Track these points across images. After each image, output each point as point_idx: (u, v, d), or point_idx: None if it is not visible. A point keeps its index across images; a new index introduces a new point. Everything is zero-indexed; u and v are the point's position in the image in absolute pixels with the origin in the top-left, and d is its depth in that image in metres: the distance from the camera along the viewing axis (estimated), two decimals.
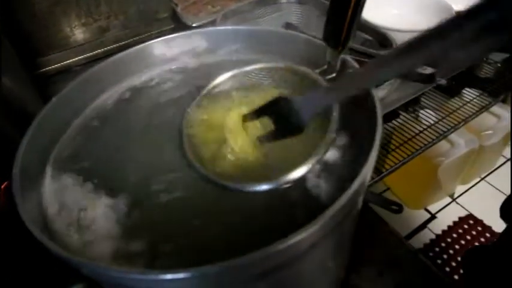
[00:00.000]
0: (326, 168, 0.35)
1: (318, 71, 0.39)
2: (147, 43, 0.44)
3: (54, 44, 0.87)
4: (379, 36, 0.75)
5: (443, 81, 0.54)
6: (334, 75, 0.40)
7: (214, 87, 0.40)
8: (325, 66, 0.40)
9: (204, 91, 0.39)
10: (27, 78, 0.76)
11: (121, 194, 0.36)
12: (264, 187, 0.30)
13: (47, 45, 0.87)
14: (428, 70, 0.55)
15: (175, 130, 0.41)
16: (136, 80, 0.46)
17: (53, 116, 0.38)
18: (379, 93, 0.74)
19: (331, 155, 0.36)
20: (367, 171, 0.26)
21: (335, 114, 0.33)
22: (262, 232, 0.32)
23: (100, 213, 0.34)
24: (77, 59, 0.91)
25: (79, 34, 0.89)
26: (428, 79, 0.55)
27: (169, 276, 0.23)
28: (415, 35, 0.77)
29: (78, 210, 0.35)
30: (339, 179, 0.34)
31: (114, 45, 0.93)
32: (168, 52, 0.45)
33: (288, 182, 0.30)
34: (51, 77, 0.89)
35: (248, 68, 0.40)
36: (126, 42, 0.93)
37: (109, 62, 0.42)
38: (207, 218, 0.34)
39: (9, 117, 0.60)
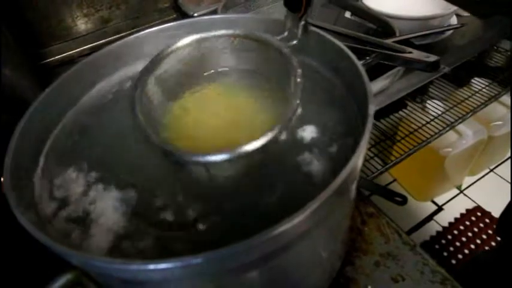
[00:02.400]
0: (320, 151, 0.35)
1: (279, 37, 0.38)
2: (138, 34, 0.44)
3: (56, 35, 0.87)
4: (383, 25, 0.73)
5: (447, 69, 0.53)
6: (295, 42, 0.39)
7: (172, 52, 0.39)
8: (286, 33, 0.39)
9: (159, 56, 0.38)
10: (29, 70, 0.76)
11: (120, 186, 0.36)
12: (222, 157, 0.29)
13: (49, 36, 0.87)
14: (432, 58, 0.53)
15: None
16: (130, 71, 0.45)
17: (46, 106, 0.38)
18: (382, 83, 0.73)
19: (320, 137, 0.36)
20: (355, 162, 0.26)
21: (299, 80, 0.33)
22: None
23: (99, 205, 0.34)
24: (79, 49, 0.91)
25: (81, 25, 0.89)
26: (432, 67, 0.53)
27: (151, 266, 0.23)
28: (418, 22, 0.75)
29: (74, 202, 0.35)
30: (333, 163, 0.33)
31: (116, 36, 0.93)
32: (160, 42, 0.45)
33: (247, 152, 0.29)
34: (54, 68, 0.89)
35: (207, 35, 0.39)
36: (128, 32, 0.92)
37: (102, 53, 0.42)
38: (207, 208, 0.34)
39: (10, 109, 0.61)
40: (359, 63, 0.33)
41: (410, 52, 0.56)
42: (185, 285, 0.25)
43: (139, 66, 0.45)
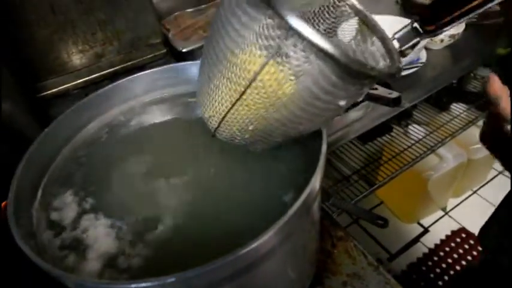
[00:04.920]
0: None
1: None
2: (128, 78, 0.49)
3: (52, 70, 0.92)
4: None
5: (408, 105, 0.58)
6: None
7: None
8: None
9: None
10: (25, 104, 0.80)
11: (111, 216, 0.40)
12: None
13: (46, 70, 0.92)
14: (394, 94, 0.59)
15: (156, 155, 0.47)
16: (120, 110, 0.51)
17: (44, 145, 0.43)
18: (356, 114, 0.79)
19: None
20: (311, 191, 0.31)
21: None
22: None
23: (91, 232, 0.39)
24: (74, 83, 0.96)
25: (76, 60, 0.94)
26: (394, 103, 0.59)
27: (133, 285, 0.27)
28: None
29: (70, 230, 0.39)
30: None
31: (109, 70, 0.98)
32: (145, 86, 0.50)
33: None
34: (50, 101, 0.94)
35: None
36: (121, 66, 0.98)
37: (95, 95, 0.47)
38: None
39: (8, 140, 0.65)
40: None
41: (375, 88, 0.61)
42: None
43: (127, 106, 0.51)
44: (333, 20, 0.43)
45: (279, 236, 0.30)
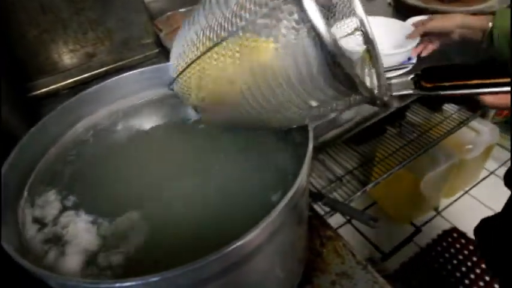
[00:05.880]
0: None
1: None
2: (117, 77, 0.49)
3: (43, 69, 0.92)
4: None
5: (398, 105, 0.59)
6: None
7: None
8: None
9: None
10: (16, 104, 0.80)
11: (94, 214, 0.40)
12: None
13: (37, 70, 0.91)
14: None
15: (143, 156, 0.46)
16: (108, 110, 0.50)
17: (31, 145, 0.43)
18: (348, 114, 0.79)
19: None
20: (296, 192, 0.31)
21: None
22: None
23: (75, 230, 0.39)
24: (65, 83, 0.95)
25: (67, 60, 0.94)
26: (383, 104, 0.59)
27: (117, 285, 0.27)
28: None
29: (53, 227, 0.39)
30: None
31: (101, 70, 0.98)
32: (134, 85, 0.50)
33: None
34: (41, 100, 0.94)
35: None
36: (112, 66, 0.98)
37: (83, 95, 0.47)
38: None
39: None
40: None
41: None
42: None
43: (116, 106, 0.51)
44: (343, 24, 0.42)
45: (265, 234, 0.30)
